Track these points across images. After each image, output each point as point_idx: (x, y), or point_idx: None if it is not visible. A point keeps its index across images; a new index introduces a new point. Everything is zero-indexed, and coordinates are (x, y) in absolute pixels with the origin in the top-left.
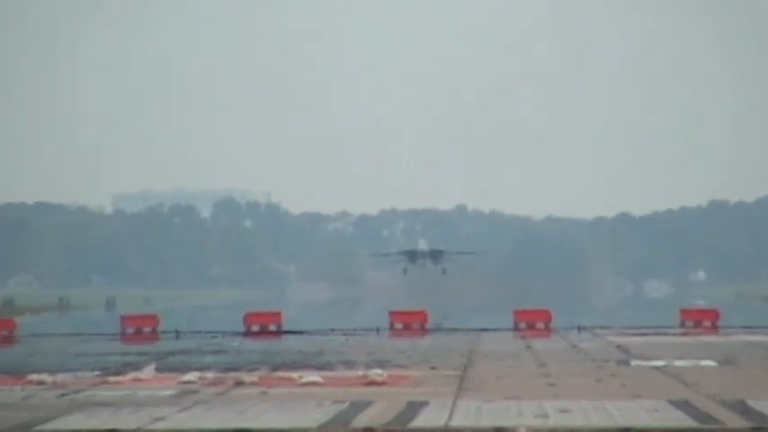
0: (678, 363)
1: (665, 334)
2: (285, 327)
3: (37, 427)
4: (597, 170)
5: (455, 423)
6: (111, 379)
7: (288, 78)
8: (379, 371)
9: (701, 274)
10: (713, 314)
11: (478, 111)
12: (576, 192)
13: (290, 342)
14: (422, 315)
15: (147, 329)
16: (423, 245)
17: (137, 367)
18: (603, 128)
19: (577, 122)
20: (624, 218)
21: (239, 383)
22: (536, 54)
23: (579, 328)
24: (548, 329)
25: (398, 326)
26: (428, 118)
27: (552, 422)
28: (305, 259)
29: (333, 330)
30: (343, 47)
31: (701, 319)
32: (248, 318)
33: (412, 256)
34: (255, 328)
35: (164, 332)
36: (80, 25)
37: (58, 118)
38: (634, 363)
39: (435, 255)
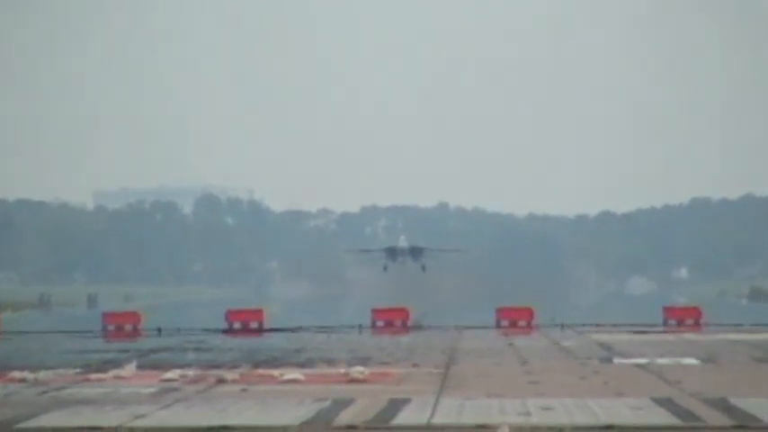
0: (661, 360)
1: (648, 332)
2: (267, 324)
3: (19, 425)
4: (580, 168)
5: (437, 421)
6: (93, 376)
7: (270, 75)
8: (360, 368)
9: (684, 272)
10: (696, 312)
11: (460, 108)
12: (558, 189)
13: (272, 339)
14: (403, 312)
15: (128, 327)
16: (403, 242)
17: (118, 365)
18: (586, 125)
19: (560, 120)
20: (606, 215)
21: (221, 381)
22: (519, 52)
23: (562, 326)
24: (530, 327)
25: (380, 323)
26: (410, 115)
27: (535, 420)
28: (287, 256)
29: (314, 328)
30: (326, 45)
31: (684, 317)
32: (230, 315)
33: (392, 252)
34: (237, 325)
35: (145, 329)
36: (64, 23)
37: (39, 115)
38: (617, 360)
39: (415, 252)
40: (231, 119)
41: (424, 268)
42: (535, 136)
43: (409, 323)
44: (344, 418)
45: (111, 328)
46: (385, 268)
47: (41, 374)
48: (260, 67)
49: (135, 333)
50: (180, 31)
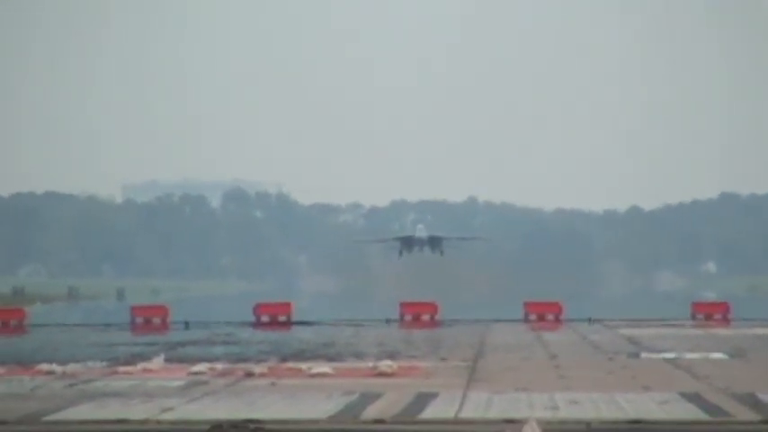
0: (689, 355)
1: (676, 326)
2: (295, 318)
3: (46, 418)
4: (609, 163)
5: (465, 414)
6: (121, 369)
7: (299, 69)
8: (389, 362)
9: (712, 267)
10: (724, 307)
11: (490, 103)
12: (587, 185)
13: (300, 333)
14: (432, 306)
15: (156, 320)
16: (420, 231)
17: (146, 358)
18: (616, 120)
19: (590, 115)
20: (635, 211)
21: (249, 374)
22: (549, 47)
23: (590, 320)
24: (558, 321)
25: (409, 317)
26: (440, 109)
27: (562, 414)
28: (315, 250)
29: (343, 321)
30: (354, 39)
31: (712, 312)
32: (258, 308)
33: (408, 242)
34: (265, 318)
35: (173, 323)
36: (89, 17)
37: (68, 108)
38: (644, 355)
39: (434, 241)
40: (260, 113)
41: (442, 253)
42: (564, 131)
43: (438, 317)
44: (372, 411)
45: (139, 321)
46: (400, 253)
47: (69, 367)
48: (289, 61)
49: (163, 326)
50: (209, 25)
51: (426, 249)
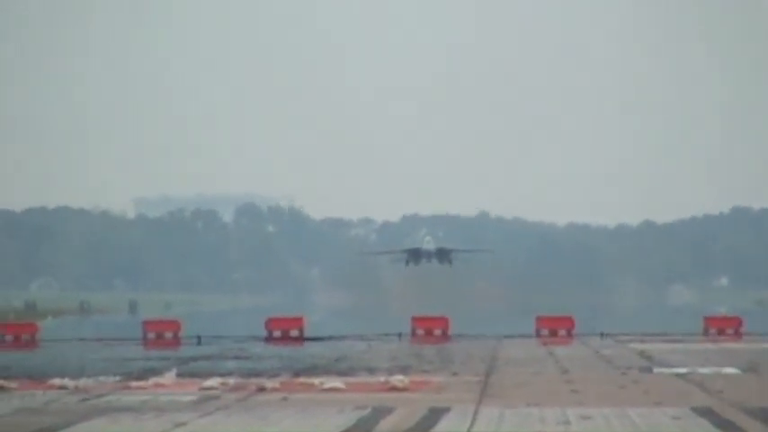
0: (701, 370)
1: (688, 341)
2: (307, 332)
3: None
4: (621, 178)
5: (477, 429)
6: (133, 384)
7: (310, 82)
8: (400, 377)
9: (724, 281)
10: (736, 321)
11: (502, 117)
12: (599, 199)
13: (312, 348)
14: (444, 321)
15: (168, 335)
16: (428, 243)
17: (158, 372)
18: (628, 135)
19: (602, 129)
20: (647, 225)
21: (261, 389)
22: (561, 61)
23: (602, 335)
24: (570, 336)
25: (420, 331)
26: (452, 123)
27: (574, 429)
28: (327, 265)
29: (354, 336)
30: (367, 51)
31: (725, 327)
32: (270, 323)
33: (415, 254)
34: (277, 333)
35: (185, 337)
36: (98, 28)
37: (80, 122)
38: (657, 370)
39: (442, 253)
40: (272, 127)
41: (450, 263)
42: (577, 145)
43: (449, 331)
44: (385, 426)
45: (151, 335)
46: (407, 263)
47: (81, 382)
48: (302, 76)
49: (175, 341)
50: (221, 40)
51: (434, 261)
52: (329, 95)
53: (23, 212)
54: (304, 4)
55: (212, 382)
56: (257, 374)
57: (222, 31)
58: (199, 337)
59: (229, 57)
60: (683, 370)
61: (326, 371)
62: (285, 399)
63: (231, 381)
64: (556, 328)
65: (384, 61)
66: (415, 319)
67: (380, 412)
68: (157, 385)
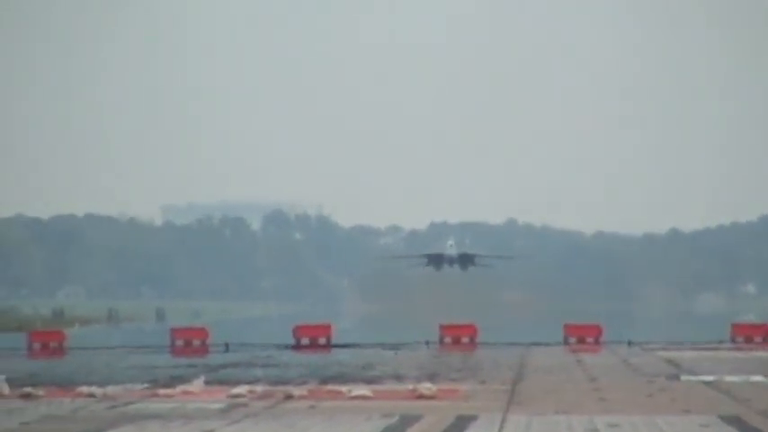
0: (729, 378)
1: (716, 349)
2: (335, 340)
3: None
4: (649, 186)
5: None
6: (161, 392)
7: (339, 89)
8: (428, 385)
9: (751, 288)
10: (765, 329)
11: (531, 124)
12: (627, 207)
13: (340, 355)
14: (471, 329)
15: (196, 342)
16: (451, 248)
17: (186, 380)
18: (655, 144)
19: (631, 137)
20: (675, 234)
21: (289, 397)
22: (588, 65)
23: (629, 343)
24: (598, 344)
25: (448, 339)
26: (480, 130)
27: None
28: (355, 273)
29: (382, 344)
30: (398, 57)
31: (753, 334)
32: (298, 331)
33: (437, 259)
34: (305, 341)
35: (213, 345)
36: (123, 36)
37: (106, 130)
38: (684, 378)
39: (465, 259)
40: (299, 135)
41: (474, 264)
42: (605, 153)
43: (477, 339)
44: None
45: (178, 343)
46: (427, 264)
47: (109, 389)
48: (329, 82)
49: (203, 348)
50: (247, 46)
51: (456, 267)
52: (357, 102)
53: (51, 220)
54: (333, 9)
55: (240, 389)
56: (285, 382)
57: (250, 37)
58: (227, 345)
59: (257, 64)
60: (710, 378)
61: (354, 379)
62: (313, 407)
63: (259, 388)
64: (584, 336)
65: (412, 69)
66: (443, 327)
67: (408, 420)
68: (185, 393)
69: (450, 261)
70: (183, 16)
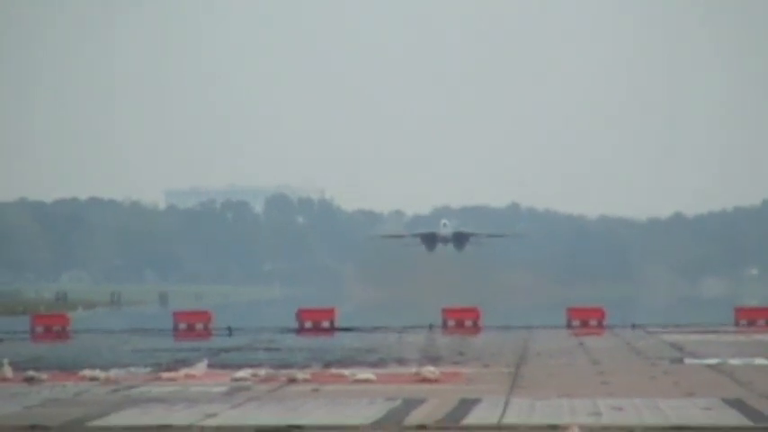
0: (732, 361)
1: (719, 332)
2: (338, 323)
3: (90, 423)
4: (652, 170)
5: (508, 420)
6: (164, 375)
7: (339, 75)
8: (431, 368)
9: (755, 272)
10: (767, 312)
11: (532, 108)
12: (631, 192)
13: (343, 339)
14: (475, 312)
15: (199, 326)
16: (445, 228)
17: (189, 364)
18: (658, 128)
19: (633, 122)
20: (678, 218)
21: (292, 380)
22: (592, 52)
23: (633, 326)
24: (601, 327)
25: (451, 323)
26: (483, 114)
27: (605, 420)
28: (357, 256)
29: (385, 327)
30: (400, 43)
31: (756, 318)
32: (301, 314)
33: (430, 239)
34: (308, 324)
35: (216, 328)
36: (129, 24)
37: (110, 113)
38: (688, 361)
39: (459, 238)
40: (302, 119)
41: (464, 245)
42: (608, 138)
43: (480, 323)
44: (415, 417)
45: (182, 326)
46: (421, 243)
47: (112, 373)
48: (331, 67)
49: (206, 332)
50: (251, 31)
51: (451, 246)
52: (360, 87)
53: (54, 203)
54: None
55: (243, 373)
56: (288, 366)
57: (253, 23)
58: (230, 329)
59: (260, 48)
60: (713, 361)
61: (357, 362)
62: (316, 390)
63: (262, 372)
64: (587, 320)
65: (416, 54)
66: (446, 311)
67: (411, 403)
68: (188, 376)
69: (444, 240)
70: (187, 5)
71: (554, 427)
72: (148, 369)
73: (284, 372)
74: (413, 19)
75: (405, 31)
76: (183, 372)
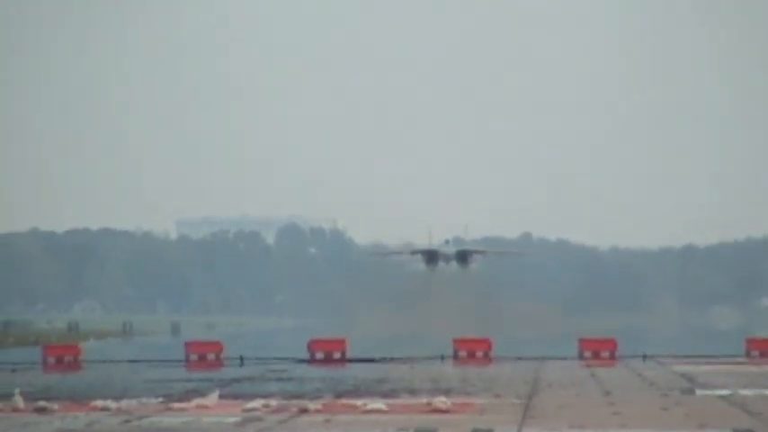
0: (744, 392)
1: (731, 363)
2: (350, 354)
3: None
4: (665, 201)
5: None
6: (176, 405)
7: (351, 107)
8: (443, 398)
9: (766, 302)
10: None
11: (547, 138)
12: (643, 222)
13: (355, 370)
14: (486, 343)
15: (210, 356)
16: (446, 246)
17: (201, 394)
18: (671, 158)
19: (645, 152)
20: (690, 249)
21: (303, 411)
22: (601, 80)
23: (644, 357)
24: (613, 358)
25: (463, 353)
26: (494, 145)
27: None
28: (369, 287)
29: (397, 358)
30: (411, 72)
31: None
32: (312, 345)
33: (431, 256)
34: (320, 355)
35: (228, 359)
36: (141, 53)
37: (121, 143)
38: (699, 392)
39: (463, 255)
40: (313, 150)
41: (468, 263)
42: (621, 169)
43: (492, 353)
44: None
45: (193, 357)
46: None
47: (124, 403)
48: (343, 97)
49: (217, 362)
50: (260, 62)
51: (453, 264)
52: (370, 119)
53: (66, 234)
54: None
55: (255, 403)
56: (300, 396)
57: (263, 53)
58: (241, 359)
59: (270, 79)
60: (725, 392)
61: (369, 392)
62: (328, 420)
63: (274, 402)
64: (599, 350)
65: (428, 84)
66: (457, 341)
67: None
68: (200, 407)
69: (447, 258)
70: (199, 32)
71: None
72: (160, 399)
73: (296, 402)
74: (422, 48)
75: (418, 63)
76: (194, 402)
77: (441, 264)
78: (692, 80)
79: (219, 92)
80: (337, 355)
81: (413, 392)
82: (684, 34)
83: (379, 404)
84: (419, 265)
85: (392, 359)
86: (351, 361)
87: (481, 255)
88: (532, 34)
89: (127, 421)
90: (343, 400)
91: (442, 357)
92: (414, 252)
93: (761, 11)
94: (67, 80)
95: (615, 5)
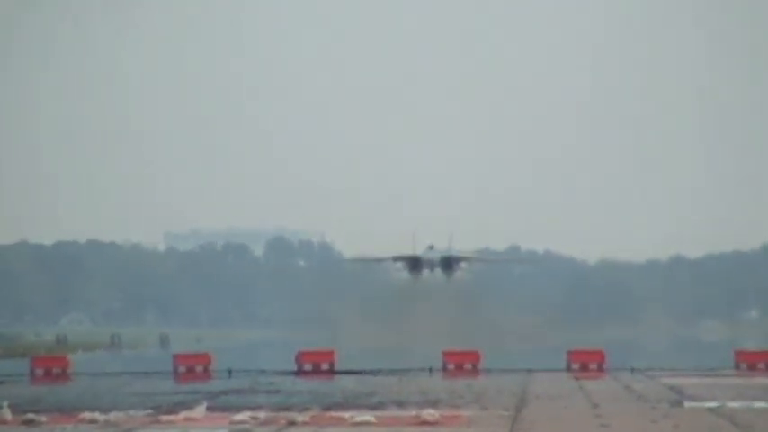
0: (732, 404)
1: (719, 375)
2: (338, 366)
3: None
4: (652, 213)
5: None
6: (163, 418)
7: (338, 120)
8: (431, 411)
9: (754, 314)
10: (767, 356)
11: (534, 150)
12: (630, 235)
13: (343, 382)
14: (474, 355)
15: (199, 368)
16: (430, 252)
17: (189, 406)
18: (658, 171)
19: (633, 164)
20: (677, 261)
21: (291, 423)
22: (592, 92)
23: (632, 370)
24: (601, 370)
25: (451, 366)
26: (482, 158)
27: None
28: (357, 300)
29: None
30: (402, 86)
31: (756, 361)
32: (301, 357)
33: (414, 263)
34: (308, 367)
35: (216, 371)
36: (129, 66)
37: (110, 156)
38: (687, 404)
39: (448, 262)
40: (301, 161)
41: (454, 270)
42: (608, 180)
43: (480, 366)
44: None
45: (181, 369)
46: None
47: (112, 415)
48: (332, 111)
49: (205, 374)
50: (252, 72)
51: (438, 271)
52: (358, 134)
53: (54, 246)
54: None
55: (243, 415)
56: (288, 408)
57: (248, 67)
58: (229, 371)
59: (260, 92)
60: (713, 404)
61: (357, 405)
62: None
63: (262, 414)
64: (587, 363)
65: (415, 96)
66: (446, 354)
67: None
68: (188, 419)
69: (431, 265)
70: (184, 49)
71: None
72: (148, 411)
73: (284, 414)
74: (420, 63)
75: (409, 76)
76: (182, 414)
77: (425, 271)
78: (679, 93)
79: (207, 105)
80: (325, 367)
81: (401, 405)
82: (669, 47)
83: (367, 416)
84: (403, 273)
85: (380, 371)
86: (339, 373)
87: (467, 262)
88: (519, 45)
89: None
90: (332, 413)
91: (431, 369)
92: (396, 258)
93: (749, 21)
94: (57, 93)
95: (601, 17)
